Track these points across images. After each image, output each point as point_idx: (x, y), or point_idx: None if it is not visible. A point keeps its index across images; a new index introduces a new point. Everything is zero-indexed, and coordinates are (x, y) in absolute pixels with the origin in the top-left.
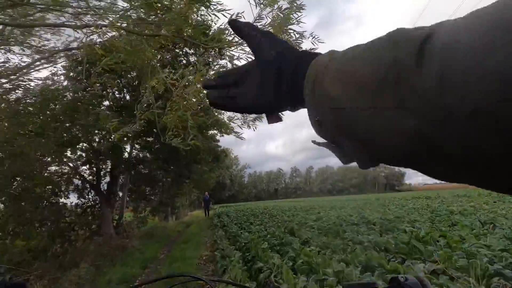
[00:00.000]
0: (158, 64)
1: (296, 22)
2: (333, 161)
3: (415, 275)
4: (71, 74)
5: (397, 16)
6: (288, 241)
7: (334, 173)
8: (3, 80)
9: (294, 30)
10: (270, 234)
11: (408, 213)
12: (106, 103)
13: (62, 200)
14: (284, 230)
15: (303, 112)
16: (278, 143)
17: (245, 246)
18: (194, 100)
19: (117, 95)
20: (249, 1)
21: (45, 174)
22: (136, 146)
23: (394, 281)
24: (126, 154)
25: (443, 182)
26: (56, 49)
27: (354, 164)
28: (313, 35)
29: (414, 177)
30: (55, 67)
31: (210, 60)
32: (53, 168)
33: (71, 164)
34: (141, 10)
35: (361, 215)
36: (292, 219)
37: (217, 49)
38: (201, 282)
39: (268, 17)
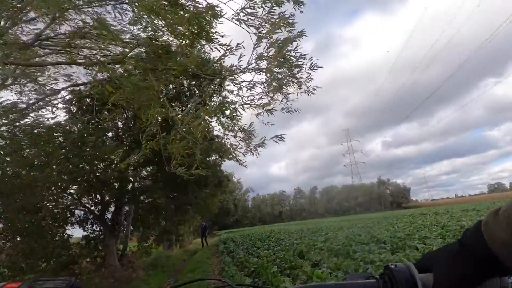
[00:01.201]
0: (165, 97)
1: (294, 49)
2: (337, 180)
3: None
4: (74, 109)
5: (391, 34)
6: (298, 264)
7: (339, 192)
8: (11, 117)
9: (291, 56)
10: (279, 258)
11: (418, 230)
12: (110, 134)
13: (67, 232)
14: (293, 253)
15: (306, 132)
16: (281, 164)
17: (255, 271)
18: (199, 134)
19: (121, 126)
20: (250, 34)
21: (50, 206)
22: (141, 175)
23: (387, 268)
24: (130, 184)
25: (450, 197)
26: (63, 86)
27: (358, 181)
28: (311, 60)
29: (420, 193)
30: (62, 102)
31: (212, 90)
32: (58, 200)
33: (75, 195)
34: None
35: (370, 234)
36: (300, 242)
37: (218, 82)
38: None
39: (267, 44)
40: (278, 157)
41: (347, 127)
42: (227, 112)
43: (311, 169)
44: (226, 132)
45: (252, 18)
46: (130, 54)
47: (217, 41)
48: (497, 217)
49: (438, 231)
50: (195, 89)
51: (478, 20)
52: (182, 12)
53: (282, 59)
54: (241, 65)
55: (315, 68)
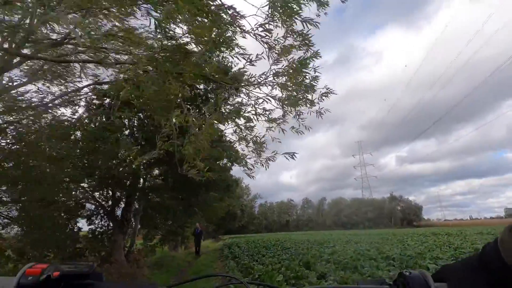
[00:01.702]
0: (181, 100)
1: (311, 68)
2: (348, 193)
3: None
4: (94, 107)
5: (414, 50)
6: (304, 274)
7: (348, 205)
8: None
9: (308, 73)
10: (285, 266)
11: (429, 249)
12: (127, 132)
13: (78, 225)
14: (299, 263)
15: (319, 143)
16: (293, 173)
17: (259, 278)
18: (207, 142)
19: (136, 124)
20: (264, 49)
21: (64, 198)
22: (152, 173)
23: (400, 275)
24: (141, 181)
25: (464, 218)
26: (83, 84)
27: (368, 196)
28: (327, 88)
29: (433, 212)
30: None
31: (226, 96)
32: (71, 193)
33: (88, 189)
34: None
35: (379, 250)
36: (306, 252)
37: (234, 87)
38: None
39: (286, 60)
40: (290, 166)
41: (361, 140)
42: (242, 120)
43: (322, 180)
44: (239, 139)
45: (269, 35)
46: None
47: (237, 50)
48: (511, 234)
49: (450, 252)
50: (211, 93)
51: (503, 38)
52: (206, 20)
53: (299, 78)
54: (260, 76)
55: (328, 94)
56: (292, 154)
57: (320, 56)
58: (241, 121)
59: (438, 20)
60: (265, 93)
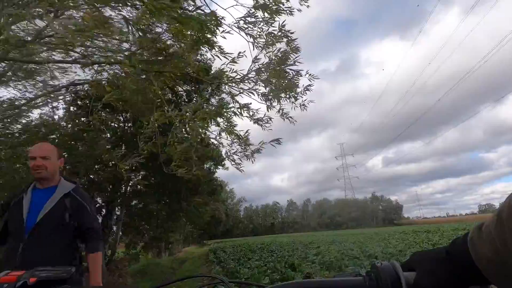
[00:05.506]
0: (162, 99)
1: (293, 63)
2: (336, 193)
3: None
4: (72, 108)
5: (413, 59)
6: (290, 276)
7: (332, 206)
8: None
9: (291, 69)
10: (271, 269)
11: (410, 246)
12: (106, 135)
13: None
14: (284, 265)
15: (313, 146)
16: (284, 176)
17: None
18: (196, 139)
19: (117, 128)
20: (248, 43)
21: None
22: (135, 178)
23: (373, 266)
24: (123, 187)
25: (442, 215)
26: (60, 84)
27: (352, 196)
28: (309, 73)
29: (414, 211)
30: (58, 102)
31: (207, 96)
32: None
33: None
34: (146, 52)
35: (362, 249)
36: (292, 254)
37: (215, 85)
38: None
39: (266, 57)
40: (282, 169)
41: (352, 143)
42: (225, 115)
43: (312, 183)
44: (224, 134)
45: (251, 26)
46: (129, 54)
47: (218, 48)
48: (480, 233)
49: (429, 248)
50: (193, 93)
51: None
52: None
53: (279, 69)
54: (242, 71)
55: (308, 88)
56: (277, 140)
57: (299, 51)
58: (222, 120)
59: (434, 35)
60: (248, 88)
